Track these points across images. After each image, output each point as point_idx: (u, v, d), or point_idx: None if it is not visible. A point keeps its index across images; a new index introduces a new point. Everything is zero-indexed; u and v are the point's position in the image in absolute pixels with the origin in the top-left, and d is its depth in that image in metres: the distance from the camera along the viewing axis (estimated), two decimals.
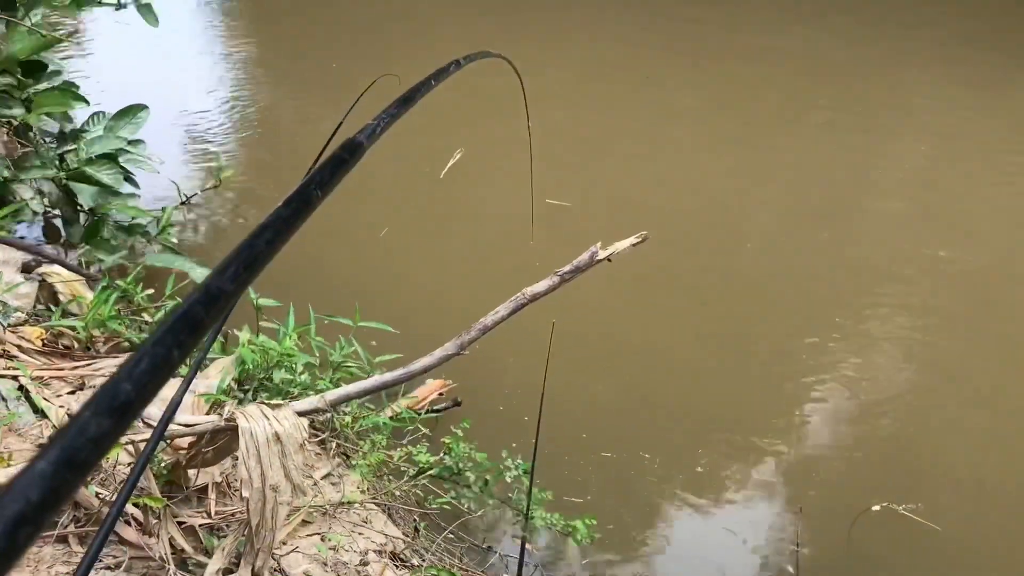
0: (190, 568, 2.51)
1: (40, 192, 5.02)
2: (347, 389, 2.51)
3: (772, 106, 6.73)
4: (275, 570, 2.60)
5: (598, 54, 7.70)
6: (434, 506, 3.24)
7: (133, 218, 5.02)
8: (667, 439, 4.17)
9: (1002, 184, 6.01)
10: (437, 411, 4.03)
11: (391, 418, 3.49)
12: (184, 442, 2.68)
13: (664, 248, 5.17)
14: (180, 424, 2.46)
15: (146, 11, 5.57)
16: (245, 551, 2.45)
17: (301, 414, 2.46)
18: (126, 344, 3.59)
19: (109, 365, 3.40)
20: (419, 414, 3.70)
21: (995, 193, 5.91)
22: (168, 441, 2.59)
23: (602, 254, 2.48)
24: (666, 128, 6.58)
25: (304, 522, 2.89)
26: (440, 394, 4.16)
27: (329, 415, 3.33)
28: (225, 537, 2.56)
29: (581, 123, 6.48)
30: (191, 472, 2.83)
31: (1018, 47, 8.03)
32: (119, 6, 5.68)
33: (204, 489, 2.85)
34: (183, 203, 5.89)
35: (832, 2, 8.68)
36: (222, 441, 2.54)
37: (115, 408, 0.54)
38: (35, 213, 4.99)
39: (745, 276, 5.13)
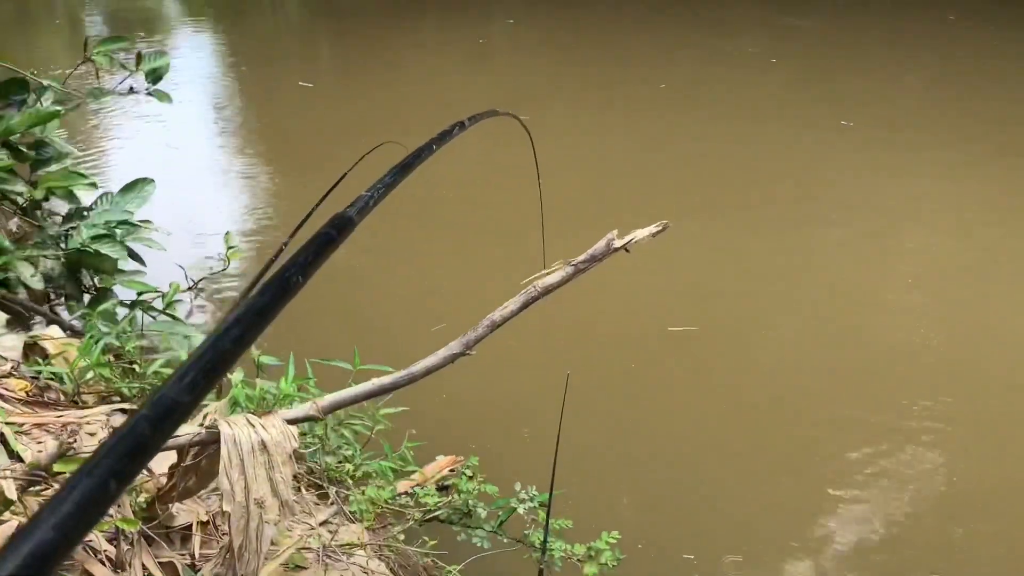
0: None
1: (44, 274, 4.88)
2: (342, 394, 2.28)
3: (780, 207, 6.55)
4: None
5: (606, 154, 7.67)
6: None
7: (139, 294, 4.84)
8: (700, 533, 3.83)
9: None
10: (447, 487, 3.74)
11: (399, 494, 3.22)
12: (163, 471, 2.44)
13: (674, 348, 4.92)
14: None
15: (159, 95, 5.54)
16: None
17: (292, 422, 2.22)
18: (116, 398, 3.38)
19: (95, 414, 3.17)
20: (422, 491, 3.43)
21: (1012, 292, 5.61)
22: None
23: (619, 243, 2.28)
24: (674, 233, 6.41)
25: (297, 567, 2.60)
26: (452, 470, 3.89)
27: (326, 462, 3.07)
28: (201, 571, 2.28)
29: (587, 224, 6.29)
30: (173, 509, 2.58)
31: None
32: (131, 91, 5.69)
33: (189, 528, 2.59)
34: (191, 288, 5.77)
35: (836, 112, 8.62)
36: (204, 461, 2.29)
37: (31, 560, 0.44)
38: (35, 292, 4.83)
39: (765, 372, 4.79)
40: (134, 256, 4.99)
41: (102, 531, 2.32)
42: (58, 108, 5.03)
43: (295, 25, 13.53)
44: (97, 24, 13.08)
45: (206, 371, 0.64)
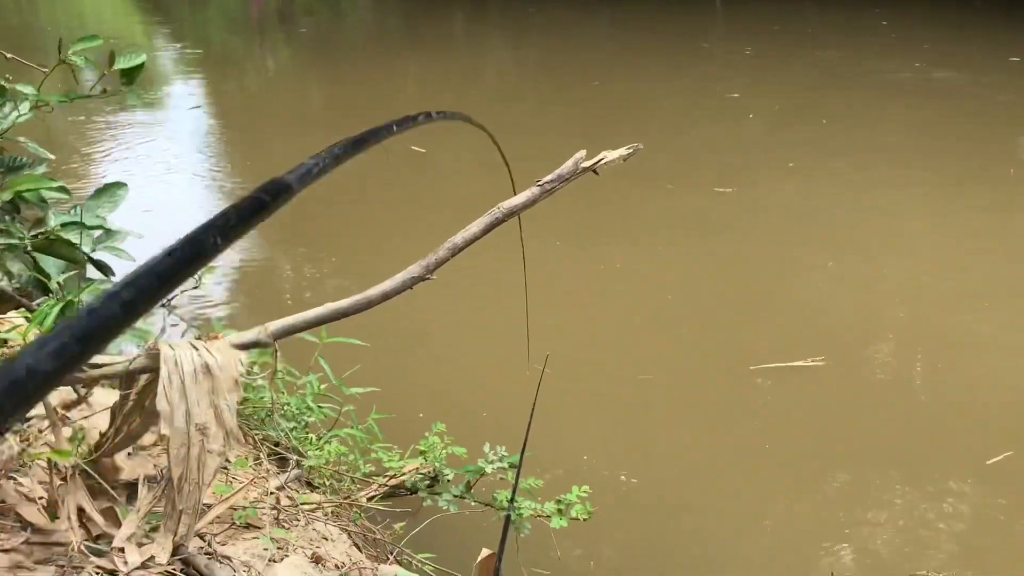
0: (100, 544, 2.06)
1: (9, 275, 4.74)
2: (294, 319, 2.14)
3: (769, 251, 6.37)
4: (207, 552, 2.14)
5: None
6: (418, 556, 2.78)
7: None
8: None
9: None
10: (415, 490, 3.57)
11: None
12: (103, 419, 2.29)
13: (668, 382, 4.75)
14: (91, 364, 2.06)
15: (133, 95, 5.42)
16: (165, 512, 2.01)
17: (239, 347, 2.08)
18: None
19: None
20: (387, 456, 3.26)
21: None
22: (80, 395, 2.20)
23: (587, 163, 2.18)
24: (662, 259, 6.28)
25: (249, 525, 2.44)
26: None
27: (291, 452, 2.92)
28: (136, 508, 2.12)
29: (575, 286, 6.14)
30: (120, 461, 2.42)
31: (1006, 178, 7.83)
32: (104, 92, 5.61)
33: (135, 486, 2.43)
34: (163, 306, 5.61)
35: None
36: (149, 400, 2.14)
37: None
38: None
39: (751, 412, 4.59)
40: (101, 267, 4.83)
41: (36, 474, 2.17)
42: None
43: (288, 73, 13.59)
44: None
45: (82, 337, 0.52)
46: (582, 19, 14.58)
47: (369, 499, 2.80)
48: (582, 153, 2.17)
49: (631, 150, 2.21)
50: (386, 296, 2.11)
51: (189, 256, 0.61)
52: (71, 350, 0.51)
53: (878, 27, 12.80)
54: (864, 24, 13.03)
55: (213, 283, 5.91)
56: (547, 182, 2.15)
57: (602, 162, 2.18)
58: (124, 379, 2.09)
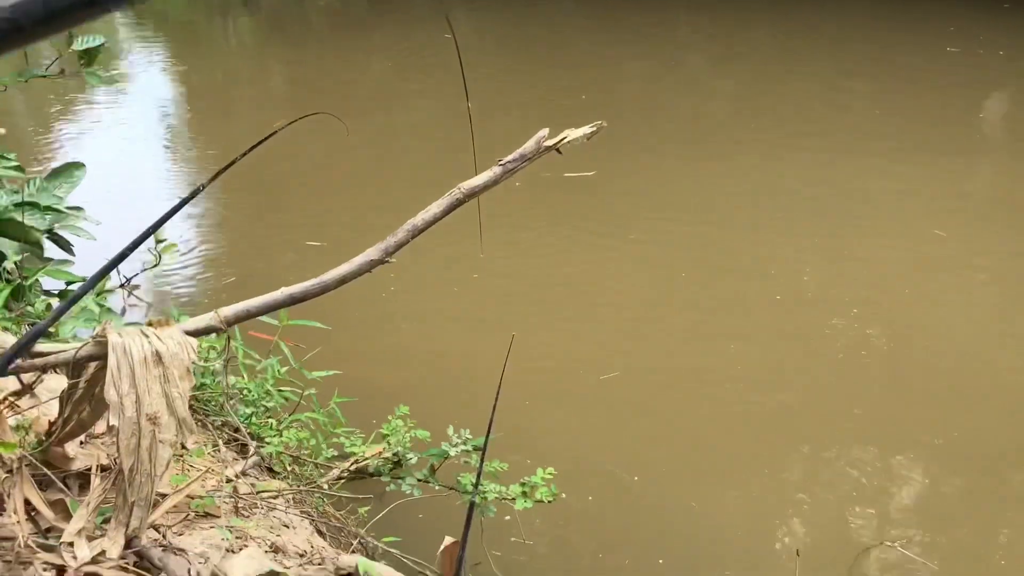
0: (49, 538, 1.99)
1: None
2: (247, 304, 2.07)
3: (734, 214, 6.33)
4: (161, 544, 2.08)
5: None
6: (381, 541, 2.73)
7: (68, 283, 4.58)
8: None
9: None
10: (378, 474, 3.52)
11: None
12: (53, 407, 2.21)
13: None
14: (37, 352, 1.99)
15: (91, 76, 5.30)
16: (116, 505, 1.94)
17: (191, 334, 2.01)
18: None
19: None
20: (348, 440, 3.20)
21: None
22: (25, 383, 2.12)
23: (550, 142, 2.12)
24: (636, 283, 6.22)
25: (207, 514, 2.38)
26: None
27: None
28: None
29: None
30: (71, 451, 2.35)
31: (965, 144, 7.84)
32: (61, 73, 5.46)
33: (88, 476, 2.36)
34: (123, 286, 5.50)
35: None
36: (99, 388, 2.07)
37: None
38: None
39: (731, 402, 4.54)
40: (61, 244, 4.73)
41: None
42: None
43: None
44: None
45: None
46: None
47: (332, 484, 2.75)
48: (544, 132, 2.12)
49: (594, 128, 2.16)
50: (343, 280, 2.05)
51: None
52: None
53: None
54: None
55: (178, 265, 5.82)
56: (509, 161, 2.09)
57: (565, 140, 2.13)
58: (72, 367, 2.02)
